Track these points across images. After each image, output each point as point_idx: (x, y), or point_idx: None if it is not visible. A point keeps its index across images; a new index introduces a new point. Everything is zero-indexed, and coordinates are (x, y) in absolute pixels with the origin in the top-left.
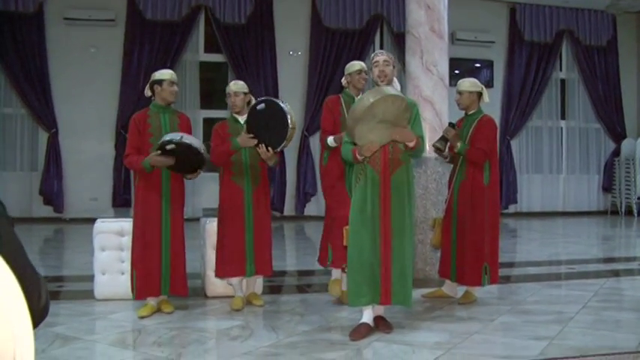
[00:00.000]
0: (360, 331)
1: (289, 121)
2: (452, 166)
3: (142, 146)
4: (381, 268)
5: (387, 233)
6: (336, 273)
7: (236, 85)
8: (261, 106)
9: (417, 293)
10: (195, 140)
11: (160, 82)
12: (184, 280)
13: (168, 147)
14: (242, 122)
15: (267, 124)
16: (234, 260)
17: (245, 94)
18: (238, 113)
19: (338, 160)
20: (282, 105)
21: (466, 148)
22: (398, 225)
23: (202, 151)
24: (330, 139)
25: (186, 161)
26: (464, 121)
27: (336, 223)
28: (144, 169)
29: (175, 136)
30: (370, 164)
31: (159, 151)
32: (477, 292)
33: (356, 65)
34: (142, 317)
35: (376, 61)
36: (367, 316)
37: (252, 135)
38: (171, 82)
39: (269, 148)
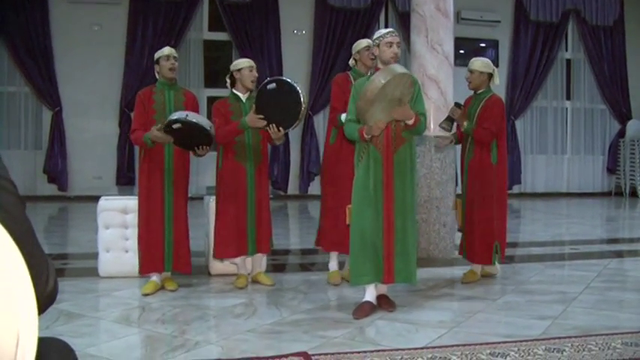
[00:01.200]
0: (364, 310)
1: (302, 100)
2: (458, 146)
3: (147, 122)
4: (383, 246)
5: (389, 211)
6: (333, 265)
7: (249, 60)
8: (272, 85)
9: (423, 272)
10: (202, 118)
11: (158, 60)
12: (188, 258)
13: (175, 126)
14: (244, 100)
15: (278, 103)
16: (236, 240)
17: None
18: (248, 90)
19: (346, 139)
20: (294, 84)
21: (473, 128)
22: (400, 203)
23: (210, 128)
24: (345, 116)
25: (194, 139)
26: (472, 99)
27: (326, 208)
28: (146, 143)
29: (181, 114)
30: (373, 142)
31: (159, 125)
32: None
33: (363, 42)
34: (146, 294)
35: (390, 42)
36: (370, 294)
37: (262, 115)
38: (168, 57)
39: (280, 128)
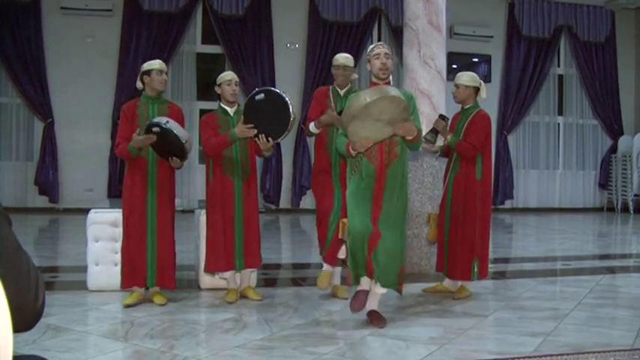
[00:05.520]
0: (359, 300)
1: (291, 110)
2: (447, 160)
3: (131, 136)
4: (368, 244)
5: (375, 223)
6: (327, 265)
7: (232, 74)
8: (260, 96)
9: (414, 288)
10: (180, 129)
11: (148, 72)
12: (172, 273)
13: (154, 130)
14: (232, 114)
15: (267, 114)
16: (224, 254)
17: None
18: (232, 103)
19: (323, 150)
20: (282, 94)
21: (456, 141)
22: (386, 215)
23: (185, 141)
24: (312, 125)
25: (168, 148)
26: (460, 114)
27: (319, 216)
28: (131, 152)
29: (161, 119)
30: (366, 157)
31: (138, 131)
32: (472, 287)
33: (339, 59)
34: (128, 305)
35: (377, 54)
36: (365, 283)
37: (251, 125)
38: (160, 71)
39: (269, 139)
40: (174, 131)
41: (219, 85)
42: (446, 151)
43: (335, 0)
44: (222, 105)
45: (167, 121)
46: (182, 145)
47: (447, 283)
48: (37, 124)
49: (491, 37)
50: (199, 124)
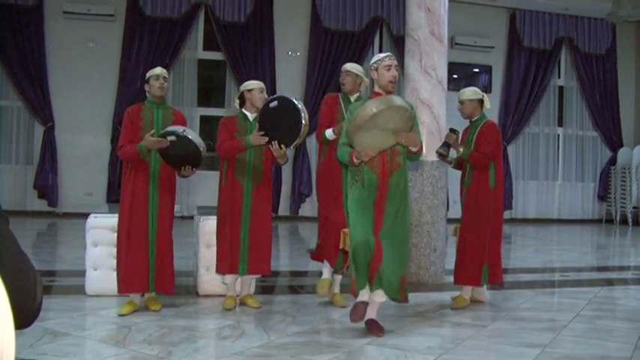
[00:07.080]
0: (359, 311)
1: (303, 117)
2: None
3: (134, 140)
4: (373, 257)
5: (377, 232)
6: (326, 272)
7: (260, 82)
8: (274, 103)
9: (413, 297)
10: (197, 137)
11: (148, 79)
12: (171, 278)
13: (169, 138)
14: (251, 120)
15: (280, 121)
16: (229, 257)
17: None
18: (258, 109)
19: (335, 156)
20: (295, 101)
21: (469, 152)
22: (388, 225)
23: (202, 149)
24: (329, 132)
25: (184, 156)
26: (469, 128)
27: (330, 223)
28: (139, 153)
29: (178, 128)
30: (368, 166)
31: (153, 131)
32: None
33: (346, 65)
34: (122, 315)
35: (388, 65)
36: (364, 294)
37: (263, 133)
38: (157, 77)
39: (281, 146)
40: (190, 137)
41: (251, 90)
42: (459, 165)
43: (337, 8)
44: (244, 111)
45: (184, 129)
46: (199, 153)
47: (476, 293)
48: (38, 127)
49: (492, 48)
50: (200, 130)
